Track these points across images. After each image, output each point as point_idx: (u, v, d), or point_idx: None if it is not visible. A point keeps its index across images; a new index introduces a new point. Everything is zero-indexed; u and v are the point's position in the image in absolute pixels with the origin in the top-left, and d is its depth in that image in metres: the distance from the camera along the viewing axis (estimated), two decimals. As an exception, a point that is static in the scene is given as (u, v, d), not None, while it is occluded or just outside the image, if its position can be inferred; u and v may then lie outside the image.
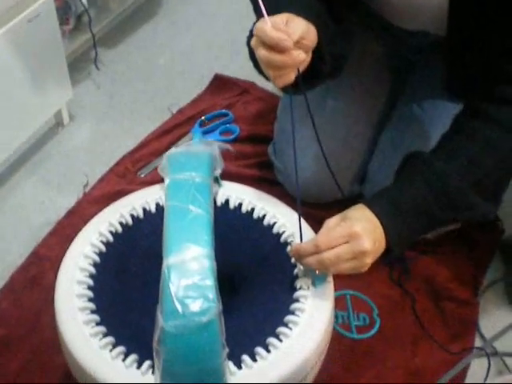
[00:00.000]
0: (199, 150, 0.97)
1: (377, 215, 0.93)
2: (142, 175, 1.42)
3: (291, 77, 0.88)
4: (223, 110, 1.56)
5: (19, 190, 1.41)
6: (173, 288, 0.79)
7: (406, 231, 0.96)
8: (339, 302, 1.17)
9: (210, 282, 0.80)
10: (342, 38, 1.06)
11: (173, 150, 0.97)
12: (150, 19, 1.92)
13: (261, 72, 0.95)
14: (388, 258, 0.95)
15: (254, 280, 1.00)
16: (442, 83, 1.18)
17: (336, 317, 1.14)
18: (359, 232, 0.89)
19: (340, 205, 1.32)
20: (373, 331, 1.13)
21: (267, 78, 0.93)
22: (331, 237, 0.90)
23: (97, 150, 1.51)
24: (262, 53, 0.85)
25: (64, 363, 1.09)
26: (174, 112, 1.59)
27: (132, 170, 1.44)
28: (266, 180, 1.38)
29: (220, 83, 1.66)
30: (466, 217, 1.00)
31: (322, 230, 0.92)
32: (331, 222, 0.93)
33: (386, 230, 0.93)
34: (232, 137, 1.49)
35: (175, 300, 0.78)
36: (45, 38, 1.36)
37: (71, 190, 1.40)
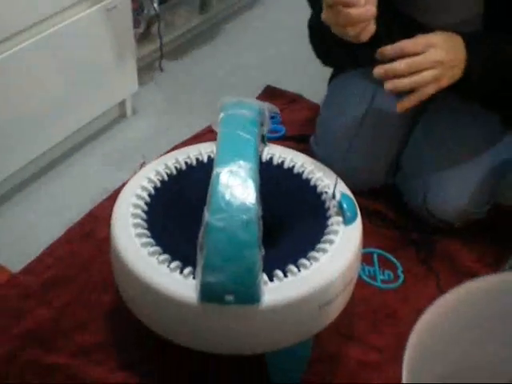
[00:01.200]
0: (250, 100, 1.09)
1: (463, 38, 1.06)
2: (194, 159, 1.54)
3: (371, 28, 1.02)
4: (272, 113, 1.69)
5: (83, 163, 1.57)
6: (220, 189, 0.89)
7: (485, 55, 1.07)
8: (367, 259, 1.26)
9: (252, 188, 0.90)
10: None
11: (226, 97, 1.09)
12: (212, 39, 2.11)
13: (319, 51, 1.09)
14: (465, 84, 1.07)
15: (293, 220, 1.10)
16: None
17: (363, 269, 1.23)
18: (437, 42, 1.02)
19: (376, 194, 1.44)
20: (397, 284, 1.20)
21: (326, 61, 1.06)
22: (412, 42, 1.02)
23: (155, 139, 1.65)
24: (336, 12, 0.99)
25: (108, 302, 1.21)
26: (227, 113, 1.73)
27: (185, 155, 1.57)
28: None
29: (271, 93, 1.80)
30: None
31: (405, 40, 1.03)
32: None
33: (467, 50, 1.05)
34: (278, 135, 1.62)
35: (221, 199, 0.89)
36: (119, 29, 1.53)
37: (129, 167, 1.53)
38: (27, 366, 1.09)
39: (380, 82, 1.40)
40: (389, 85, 1.04)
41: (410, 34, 1.40)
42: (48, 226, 1.38)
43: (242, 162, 0.93)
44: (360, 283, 1.23)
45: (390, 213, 1.42)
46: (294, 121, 1.70)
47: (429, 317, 0.82)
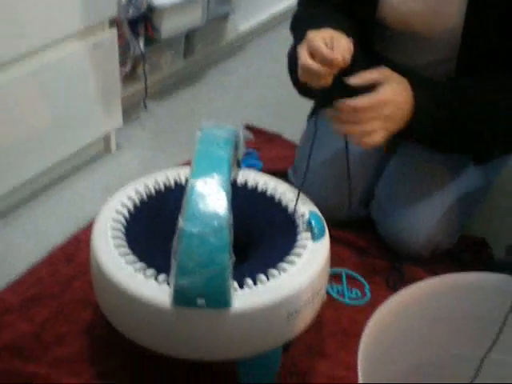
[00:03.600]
0: (225, 124, 1.16)
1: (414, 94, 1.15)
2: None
3: (329, 81, 1.10)
4: (250, 149, 1.77)
5: (67, 192, 1.63)
6: (194, 198, 0.96)
7: (430, 106, 1.16)
8: (335, 278, 1.31)
9: (224, 198, 0.96)
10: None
11: (204, 122, 1.16)
12: (194, 83, 2.21)
13: (294, 80, 1.24)
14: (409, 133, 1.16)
15: (265, 238, 1.16)
16: None
17: (331, 287, 1.29)
18: (388, 99, 1.11)
19: (349, 225, 1.50)
20: (364, 300, 1.26)
21: (300, 90, 1.19)
22: (367, 102, 1.10)
23: (137, 170, 1.73)
24: (309, 62, 1.08)
25: (87, 318, 1.25)
26: (208, 149, 1.80)
27: (167, 185, 1.63)
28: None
29: (250, 132, 1.88)
30: (475, 137, 1.23)
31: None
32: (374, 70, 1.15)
33: (415, 105, 1.14)
34: (255, 169, 1.68)
35: (194, 207, 0.95)
36: (106, 65, 1.61)
37: (111, 196, 1.59)
38: (6, 375, 1.13)
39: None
40: (336, 127, 1.14)
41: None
42: (32, 249, 1.43)
43: (215, 175, 0.99)
44: (331, 305, 1.29)
45: (360, 241, 1.48)
46: (272, 158, 1.77)
47: (379, 316, 0.87)
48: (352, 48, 1.12)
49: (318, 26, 1.14)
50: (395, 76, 1.16)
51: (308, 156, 1.35)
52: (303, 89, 1.28)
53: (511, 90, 1.20)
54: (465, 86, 1.21)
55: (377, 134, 1.12)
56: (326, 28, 1.13)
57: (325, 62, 1.07)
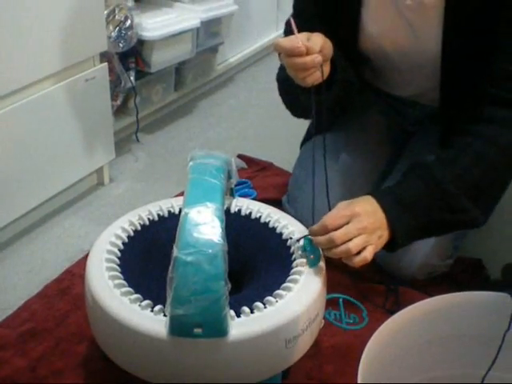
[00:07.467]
0: (217, 152, 1.17)
1: (380, 204, 1.13)
2: (168, 221, 1.61)
3: (316, 76, 1.10)
4: (243, 179, 1.77)
5: (61, 225, 1.63)
6: (188, 226, 0.95)
7: (406, 221, 1.13)
8: (332, 304, 1.31)
9: (218, 226, 0.96)
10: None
11: (195, 150, 1.17)
12: (186, 115, 2.23)
13: (286, 102, 1.30)
14: (393, 249, 1.14)
15: (261, 265, 1.16)
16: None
17: (329, 313, 1.28)
18: (359, 211, 1.08)
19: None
20: (362, 325, 1.25)
21: (293, 111, 1.25)
22: (336, 217, 1.08)
23: (130, 202, 1.72)
24: (286, 60, 1.09)
25: (83, 352, 1.24)
26: (200, 180, 1.81)
27: (159, 218, 1.63)
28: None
29: (243, 161, 1.89)
30: (459, 220, 1.17)
31: (329, 213, 1.10)
32: (338, 206, 1.12)
33: (387, 216, 1.12)
34: (250, 198, 1.69)
35: (189, 235, 0.95)
36: (97, 99, 1.62)
37: (105, 229, 1.59)
38: (2, 412, 1.12)
39: (347, 143, 1.52)
40: (325, 254, 1.11)
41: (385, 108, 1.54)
42: (26, 284, 1.42)
43: (208, 203, 0.99)
44: (329, 331, 1.28)
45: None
46: (265, 186, 1.77)
47: (377, 338, 0.87)
48: (330, 45, 1.13)
49: None
50: (363, 202, 1.14)
51: (312, 184, 1.33)
52: (295, 103, 1.28)
53: (484, 161, 1.17)
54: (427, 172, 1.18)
55: (365, 250, 1.08)
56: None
57: (291, 52, 1.07)
